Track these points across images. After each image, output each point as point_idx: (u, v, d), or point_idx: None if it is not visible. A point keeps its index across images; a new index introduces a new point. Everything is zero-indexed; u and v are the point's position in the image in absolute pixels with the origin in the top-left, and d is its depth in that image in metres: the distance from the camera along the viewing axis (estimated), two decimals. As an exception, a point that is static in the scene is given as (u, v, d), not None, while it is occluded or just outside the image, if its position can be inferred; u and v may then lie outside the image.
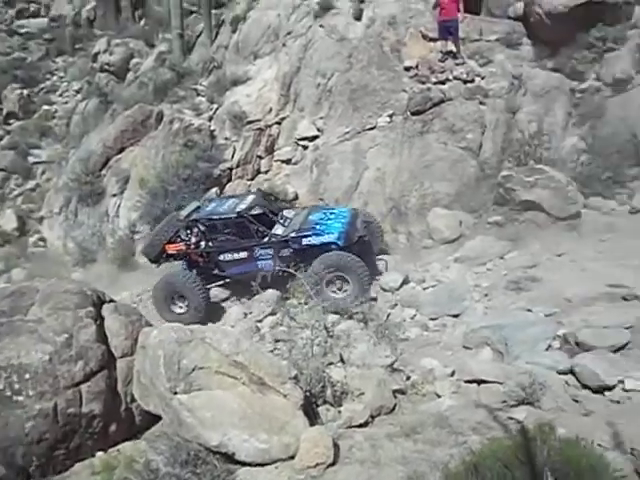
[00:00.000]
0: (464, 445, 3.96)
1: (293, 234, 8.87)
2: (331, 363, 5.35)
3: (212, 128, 13.22)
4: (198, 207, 9.88)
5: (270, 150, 12.94)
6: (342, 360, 5.86)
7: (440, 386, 5.49)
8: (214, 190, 12.18)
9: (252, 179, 12.93)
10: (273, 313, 8.82)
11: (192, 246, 9.44)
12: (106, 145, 13.43)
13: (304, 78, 12.95)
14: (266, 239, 8.96)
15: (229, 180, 12.76)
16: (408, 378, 5.86)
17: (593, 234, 8.53)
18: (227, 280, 9.44)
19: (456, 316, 7.75)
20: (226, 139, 13.06)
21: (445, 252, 9.64)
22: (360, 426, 4.67)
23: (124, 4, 19.78)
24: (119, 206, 12.94)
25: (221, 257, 9.23)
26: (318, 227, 8.90)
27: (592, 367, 5.23)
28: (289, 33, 13.86)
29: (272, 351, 6.82)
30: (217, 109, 13.56)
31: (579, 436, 3.55)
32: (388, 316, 7.90)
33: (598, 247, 8.14)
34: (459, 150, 10.53)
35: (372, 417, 4.78)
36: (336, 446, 4.14)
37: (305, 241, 8.79)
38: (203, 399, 4.37)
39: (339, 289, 8.47)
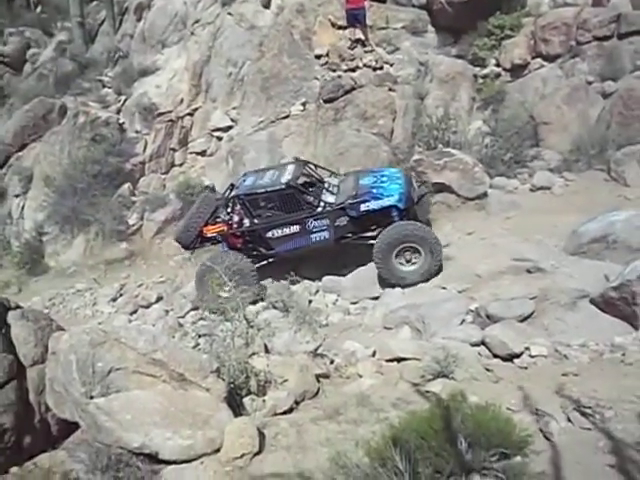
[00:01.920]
0: (385, 421, 4.09)
1: (350, 200, 8.18)
2: (254, 353, 5.34)
3: (121, 121, 12.75)
4: (232, 185, 9.18)
5: (184, 142, 12.67)
6: (266, 349, 5.88)
7: (362, 367, 5.62)
8: (126, 186, 11.76)
9: (166, 172, 12.61)
10: (195, 308, 8.68)
11: (235, 225, 8.67)
12: (5, 142, 12.62)
13: (215, 67, 12.74)
14: (319, 209, 8.25)
15: (142, 175, 12.38)
16: (332, 362, 5.96)
17: (499, 212, 9.01)
18: (270, 260, 8.70)
19: (376, 298, 7.96)
20: (137, 132, 12.64)
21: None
22: (285, 413, 4.71)
23: (17, -10, 18.56)
24: (23, 207, 12.24)
25: (269, 234, 8.41)
26: (375, 191, 8.26)
27: (501, 337, 5.55)
28: (197, 21, 13.55)
29: (195, 346, 6.71)
30: (125, 101, 13.08)
31: (489, 402, 3.77)
32: (310, 303, 7.98)
33: (504, 224, 8.61)
34: (372, 136, 10.76)
35: (296, 403, 4.84)
36: (261, 435, 4.16)
37: (364, 207, 8.11)
38: (122, 401, 4.23)
39: (408, 261, 7.83)
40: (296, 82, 11.89)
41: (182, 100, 12.81)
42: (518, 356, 5.35)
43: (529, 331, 5.82)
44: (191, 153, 12.60)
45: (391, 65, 11.87)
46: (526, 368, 5.15)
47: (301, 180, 8.63)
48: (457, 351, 5.19)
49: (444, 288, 7.37)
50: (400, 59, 11.97)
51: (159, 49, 13.89)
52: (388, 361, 5.66)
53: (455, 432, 3.39)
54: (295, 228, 8.30)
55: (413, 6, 13.46)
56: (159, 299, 9.57)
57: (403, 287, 7.77)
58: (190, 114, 12.76)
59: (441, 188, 9.39)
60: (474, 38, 12.18)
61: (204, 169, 12.27)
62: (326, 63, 11.95)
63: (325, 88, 11.45)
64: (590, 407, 3.91)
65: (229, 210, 8.80)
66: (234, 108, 12.32)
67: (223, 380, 4.50)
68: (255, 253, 8.68)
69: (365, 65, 11.71)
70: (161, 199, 11.68)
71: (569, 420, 3.91)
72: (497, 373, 5.03)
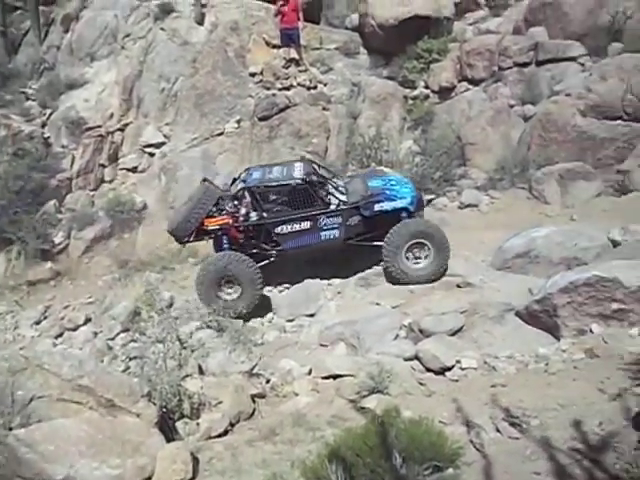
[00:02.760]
0: (321, 440, 4.09)
1: (364, 200, 8.08)
2: (187, 375, 5.21)
3: (46, 135, 12.18)
4: (234, 179, 8.82)
5: (114, 158, 12.27)
6: (200, 371, 5.74)
7: (298, 385, 5.61)
8: (52, 202, 11.24)
9: (95, 189, 12.16)
10: (125, 330, 8.37)
11: (241, 218, 8.22)
12: None
13: (147, 82, 12.48)
14: (333, 206, 8.04)
15: (69, 191, 11.86)
16: (268, 381, 5.91)
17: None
18: (272, 259, 8.28)
19: (311, 316, 7.96)
20: (63, 147, 12.12)
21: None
22: (220, 436, 4.62)
23: None
24: (-64, 225, 11.39)
25: (278, 229, 8.08)
26: (388, 192, 8.20)
27: (433, 351, 5.69)
28: (128, 35, 13.24)
29: (125, 370, 6.46)
30: (51, 114, 12.53)
31: (423, 416, 3.85)
32: (245, 322, 7.88)
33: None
34: (306, 154, 10.84)
35: (232, 425, 4.75)
36: (195, 460, 4.05)
37: (377, 207, 8.05)
38: (44, 431, 4.00)
39: (416, 259, 7.75)
40: (230, 99, 11.86)
41: (112, 115, 12.44)
42: (450, 369, 5.50)
43: (460, 344, 5.99)
44: (121, 169, 12.21)
45: (325, 85, 12.09)
46: (457, 381, 5.29)
47: (312, 178, 8.28)
48: (391, 366, 5.28)
49: (378, 304, 7.48)
50: (333, 79, 12.21)
51: (88, 62, 13.44)
52: (324, 378, 5.68)
53: (390, 447, 3.43)
54: (306, 224, 8.06)
55: (346, 28, 13.82)
56: (87, 321, 9.15)
57: (411, 284, 7.65)
58: (121, 129, 12.40)
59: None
60: (404, 61, 12.61)
61: (135, 186, 11.93)
62: (260, 81, 12.00)
63: (259, 106, 11.49)
64: (517, 417, 4.07)
65: (236, 202, 8.40)
66: (167, 124, 12.10)
67: (154, 404, 4.36)
68: (256, 251, 8.23)
69: (299, 84, 11.86)
70: (89, 216, 11.25)
71: (498, 430, 4.05)
72: (430, 387, 5.15)
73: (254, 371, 5.98)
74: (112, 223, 11.01)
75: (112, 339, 8.31)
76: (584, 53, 11.14)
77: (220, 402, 4.83)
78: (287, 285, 8.64)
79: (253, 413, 5.00)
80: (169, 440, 4.29)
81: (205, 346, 5.74)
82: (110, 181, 12.15)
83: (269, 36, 12.58)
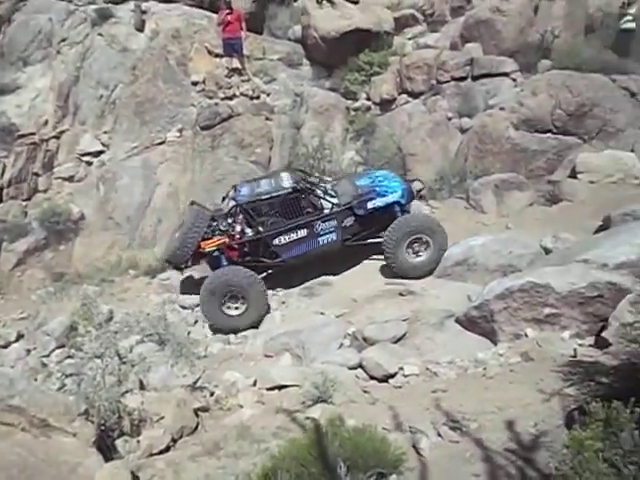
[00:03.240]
0: (266, 452, 4.05)
1: (356, 199, 8.18)
2: (127, 391, 5.05)
3: (-26, 142, 11.59)
4: (223, 198, 8.80)
5: (49, 167, 11.79)
6: (141, 386, 5.58)
7: (243, 397, 5.55)
8: None
9: (28, 199, 11.63)
10: (61, 346, 8.02)
11: (237, 236, 8.19)
12: None
13: (84, 89, 12.10)
14: (327, 210, 8.11)
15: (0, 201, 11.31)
16: (212, 394, 5.82)
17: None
18: (270, 271, 8.24)
19: (256, 327, 7.91)
20: (-7, 155, 11.56)
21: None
22: (161, 452, 4.50)
23: None
24: None
25: (276, 241, 8.08)
26: (378, 189, 8.30)
27: (377, 359, 5.77)
28: (64, 40, 12.80)
29: (61, 388, 6.19)
30: (-21, 121, 11.93)
31: (366, 424, 3.89)
32: (189, 334, 7.74)
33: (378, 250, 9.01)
34: (250, 164, 10.84)
35: (174, 440, 4.64)
36: (136, 478, 3.93)
37: (370, 205, 8.18)
38: (-29, 456, 3.78)
39: (415, 253, 7.95)
40: (172, 108, 11.67)
41: (47, 122, 11.96)
42: (393, 376, 5.59)
43: (402, 351, 6.10)
44: (57, 178, 11.75)
45: (268, 95, 12.10)
46: (400, 387, 5.38)
47: (302, 185, 8.36)
48: (336, 375, 5.31)
49: (323, 313, 7.52)
50: (277, 89, 12.25)
51: (20, 67, 12.89)
52: (269, 389, 5.65)
53: (334, 456, 3.44)
54: (303, 232, 8.11)
55: (289, 39, 13.90)
56: (19, 337, 8.70)
57: (412, 279, 7.79)
58: (56, 137, 11.94)
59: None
60: (346, 73, 12.82)
61: (71, 195, 11.50)
62: (203, 90, 11.88)
63: (202, 115, 11.37)
64: (457, 421, 4.18)
65: (230, 221, 8.40)
66: (105, 132, 11.76)
67: (92, 423, 4.20)
68: (254, 265, 8.18)
69: (242, 94, 11.82)
70: (22, 228, 10.75)
71: (439, 435, 4.14)
72: (374, 394, 5.20)
73: (197, 384, 5.87)
74: (47, 234, 10.57)
75: (46, 356, 7.93)
76: (516, 69, 11.68)
77: (162, 417, 4.72)
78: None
79: (196, 427, 4.90)
80: (108, 459, 4.15)
81: (146, 360, 5.59)
82: (44, 190, 11.66)
83: (211, 45, 12.48)
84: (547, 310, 5.73)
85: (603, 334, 5.06)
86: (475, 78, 11.75)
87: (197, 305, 8.53)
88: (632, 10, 12.20)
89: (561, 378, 4.45)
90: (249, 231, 8.28)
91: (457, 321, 6.48)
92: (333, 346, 6.67)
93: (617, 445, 2.39)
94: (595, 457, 2.39)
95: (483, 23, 12.45)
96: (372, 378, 5.74)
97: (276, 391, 5.58)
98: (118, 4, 12.74)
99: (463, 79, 11.83)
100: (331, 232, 8.18)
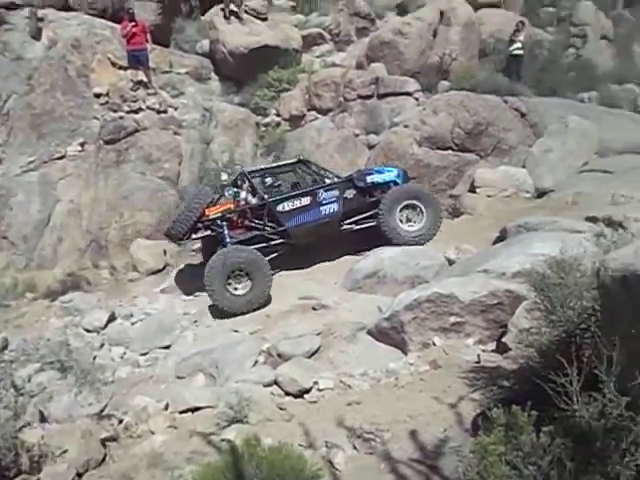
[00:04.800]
0: (180, 479, 3.92)
1: (356, 173, 8.76)
2: (25, 425, 4.69)
3: None
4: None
5: None
6: (42, 418, 5.21)
7: (154, 423, 5.32)
8: None
9: None
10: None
11: (243, 202, 8.42)
12: None
13: (-27, 99, 11.25)
14: (329, 181, 8.56)
15: None
16: (120, 422, 5.53)
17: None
18: (274, 255, 8.23)
19: (167, 347, 7.66)
20: None
21: (152, 283, 9.49)
22: (65, 488, 4.21)
23: None
24: None
25: (280, 207, 8.27)
26: (376, 168, 9.05)
27: (291, 374, 5.76)
28: (-52, 46, 11.87)
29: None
30: None
31: (283, 442, 3.87)
32: (94, 359, 7.34)
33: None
34: (158, 180, 10.54)
35: (79, 475, 4.36)
36: (36, 520, 3.65)
37: (369, 178, 8.66)
38: None
39: (409, 220, 8.46)
40: (73, 121, 11.12)
41: None
42: (308, 391, 5.59)
43: (317, 366, 6.13)
44: (-59, 195, 10.81)
45: (176, 109, 11.87)
46: (316, 402, 5.40)
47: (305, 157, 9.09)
48: (251, 394, 5.24)
49: (236, 331, 7.41)
50: (185, 104, 12.05)
51: None
52: (182, 413, 5.47)
53: (251, 478, 3.40)
54: (306, 200, 8.35)
55: (197, 53, 13.78)
56: None
57: (404, 245, 8.27)
58: (-61, 150, 11.00)
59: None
60: (255, 88, 12.88)
61: (-42, 213, 10.61)
62: (106, 103, 11.43)
63: (105, 129, 10.93)
64: (371, 432, 4.26)
65: (235, 189, 8.60)
66: (-2, 145, 10.99)
67: (-15, 463, 3.86)
68: (260, 240, 8.29)
69: (149, 107, 11.51)
70: None
71: (355, 448, 4.21)
72: (290, 411, 5.19)
73: (104, 413, 5.57)
74: None
75: None
76: (418, 89, 12.28)
77: (65, 451, 4.42)
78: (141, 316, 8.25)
79: (104, 459, 4.64)
80: (4, 501, 3.83)
81: (47, 390, 5.23)
82: None
83: (115, 56, 12.07)
84: (452, 319, 6.00)
85: (503, 339, 5.39)
86: (380, 96, 12.22)
87: (103, 327, 8.16)
88: (521, 37, 13.27)
89: (466, 384, 4.68)
90: (253, 199, 8.51)
91: (369, 333, 6.62)
92: (248, 364, 6.58)
93: (518, 448, 2.55)
94: (498, 461, 2.53)
95: (387, 44, 13.00)
96: (288, 394, 5.71)
97: (189, 414, 5.42)
98: (11, 10, 11.98)
99: (369, 97, 12.26)
100: (333, 202, 8.45)
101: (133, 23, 11.43)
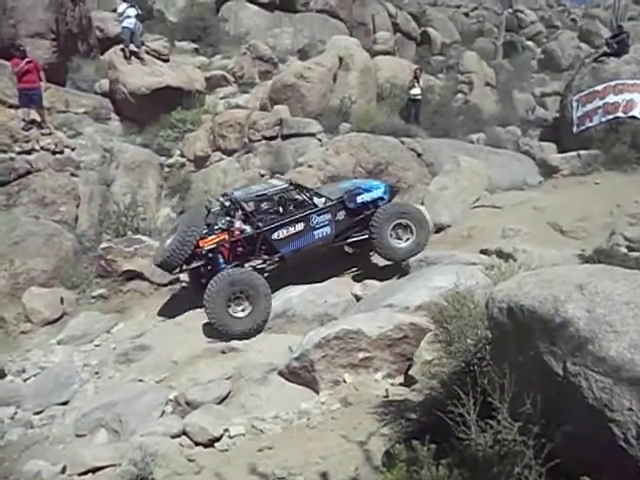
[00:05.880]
0: None
1: (346, 194, 8.77)
2: None
3: None
4: (208, 210, 8.80)
5: None
6: None
7: (48, 489, 4.92)
8: None
9: None
10: None
11: (237, 232, 8.25)
12: None
13: None
14: (320, 205, 8.62)
15: None
16: (9, 492, 5.05)
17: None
18: (266, 274, 8.32)
19: (65, 403, 7.13)
20: None
21: (48, 334, 8.84)
22: None
23: None
24: None
25: (275, 235, 8.30)
26: (363, 187, 9.00)
27: (201, 423, 5.56)
28: None
29: None
30: None
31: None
32: (-21, 422, 6.67)
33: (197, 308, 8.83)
34: (53, 224, 9.97)
35: None
36: None
37: (359, 199, 8.78)
38: None
39: (399, 238, 8.61)
40: (-44, 162, 10.33)
41: None
42: (218, 439, 5.42)
43: (227, 412, 5.97)
44: None
45: (73, 149, 11.41)
46: (227, 450, 5.24)
47: (295, 182, 9.02)
48: (157, 447, 5.00)
49: (141, 380, 7.07)
50: (83, 144, 11.62)
51: None
52: (81, 474, 5.10)
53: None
54: (300, 226, 8.46)
55: (96, 93, 13.42)
56: None
57: (395, 262, 8.69)
58: None
59: (132, 276, 9.19)
60: (158, 129, 12.71)
61: None
62: (-5, 143, 10.76)
63: (-6, 171, 10.25)
64: (283, 477, 4.19)
65: (229, 218, 8.48)
66: None
67: None
68: (254, 265, 8.42)
69: (43, 148, 10.97)
70: None
71: (267, 495, 4.11)
72: (199, 462, 4.99)
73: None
74: None
75: None
76: (321, 130, 12.70)
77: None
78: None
79: (-10, 535, 4.19)
80: None
81: None
82: None
83: (5, 94, 11.47)
84: (361, 354, 6.12)
85: (410, 372, 5.56)
86: (284, 137, 12.48)
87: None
88: (420, 83, 14.23)
89: (376, 419, 4.75)
90: (247, 227, 8.45)
91: (280, 374, 6.57)
92: (154, 415, 6.27)
93: (419, 482, 2.62)
94: (401, 497, 2.58)
95: (289, 87, 13.37)
96: (197, 444, 5.49)
97: (90, 475, 5.05)
98: None
99: (273, 138, 12.49)
100: (326, 225, 8.64)
101: (27, 59, 10.96)
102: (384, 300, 6.81)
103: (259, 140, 12.41)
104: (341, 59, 14.29)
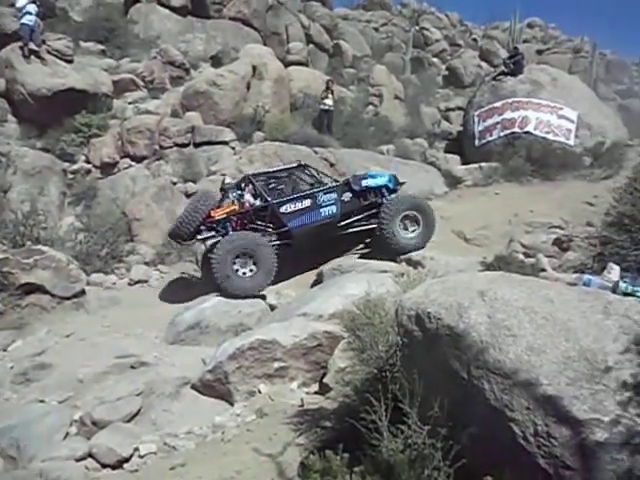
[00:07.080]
0: None
1: (352, 177, 9.40)
2: None
3: None
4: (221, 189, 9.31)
5: None
6: None
7: None
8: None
9: None
10: None
11: (247, 204, 8.78)
12: None
13: None
14: (327, 184, 9.12)
15: None
16: None
17: (99, 310, 8.80)
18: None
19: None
20: None
21: None
22: None
23: None
24: None
25: (283, 209, 8.77)
26: (369, 173, 9.70)
27: (108, 443, 5.29)
28: None
29: None
30: None
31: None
32: None
33: (104, 322, 8.42)
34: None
35: None
36: None
37: (364, 182, 9.30)
38: None
39: (406, 229, 9.04)
40: None
41: None
42: (128, 460, 5.19)
43: (137, 430, 5.73)
44: None
45: (-36, 154, 10.55)
46: (137, 471, 5.02)
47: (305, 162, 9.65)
48: (60, 472, 4.74)
49: (42, 401, 6.61)
50: (-25, 148, 10.77)
51: None
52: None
53: None
54: (307, 202, 8.86)
55: (-11, 93, 12.49)
56: None
57: (402, 254, 8.95)
58: None
59: (32, 289, 8.59)
60: (61, 133, 12.06)
61: None
62: None
63: None
64: (197, 495, 4.08)
65: (239, 192, 8.90)
66: None
67: None
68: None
69: None
70: None
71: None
72: (107, 485, 4.76)
73: None
74: None
75: None
76: (234, 138, 12.61)
77: None
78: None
79: None
80: None
81: None
82: None
83: None
84: (276, 364, 6.11)
85: (324, 380, 5.61)
86: (197, 145, 12.27)
87: None
88: (333, 94, 14.48)
89: (292, 429, 4.75)
90: (257, 201, 8.86)
91: (193, 387, 6.41)
92: (57, 437, 5.87)
93: (333, 493, 2.64)
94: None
95: (202, 94, 13.17)
96: (105, 466, 5.22)
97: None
98: None
99: (185, 145, 12.24)
100: (332, 204, 9.01)
101: None
102: (298, 309, 6.85)
103: (170, 147, 12.10)
104: (255, 68, 14.27)
